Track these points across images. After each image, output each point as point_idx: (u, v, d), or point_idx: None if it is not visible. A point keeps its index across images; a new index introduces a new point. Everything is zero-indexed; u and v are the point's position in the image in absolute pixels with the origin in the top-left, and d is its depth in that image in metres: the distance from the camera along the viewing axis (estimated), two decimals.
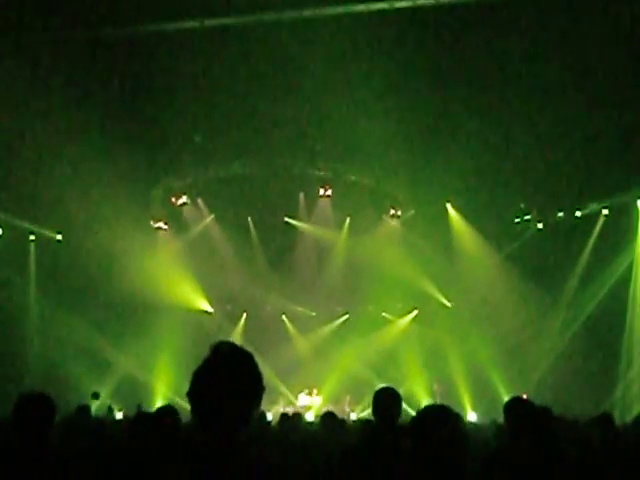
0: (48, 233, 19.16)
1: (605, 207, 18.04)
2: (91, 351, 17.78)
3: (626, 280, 17.64)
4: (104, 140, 14.08)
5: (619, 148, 14.54)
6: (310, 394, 19.39)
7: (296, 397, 19.50)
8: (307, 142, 16.97)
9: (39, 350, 18.06)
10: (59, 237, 19.24)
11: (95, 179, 15.30)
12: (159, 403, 18.06)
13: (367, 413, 18.72)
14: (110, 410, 9.30)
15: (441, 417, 2.93)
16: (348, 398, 19.66)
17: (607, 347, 17.27)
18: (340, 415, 7.21)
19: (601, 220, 18.25)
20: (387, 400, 4.16)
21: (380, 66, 13.05)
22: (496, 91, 13.87)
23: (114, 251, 17.28)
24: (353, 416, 18.36)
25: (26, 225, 18.65)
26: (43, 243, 19.23)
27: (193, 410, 2.26)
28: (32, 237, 19.20)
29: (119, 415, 16.26)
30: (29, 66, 12.52)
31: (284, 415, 8.24)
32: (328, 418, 5.89)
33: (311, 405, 19.03)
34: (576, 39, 12.17)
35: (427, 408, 3.09)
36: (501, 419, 6.46)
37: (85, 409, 7.40)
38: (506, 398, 4.54)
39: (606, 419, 5.62)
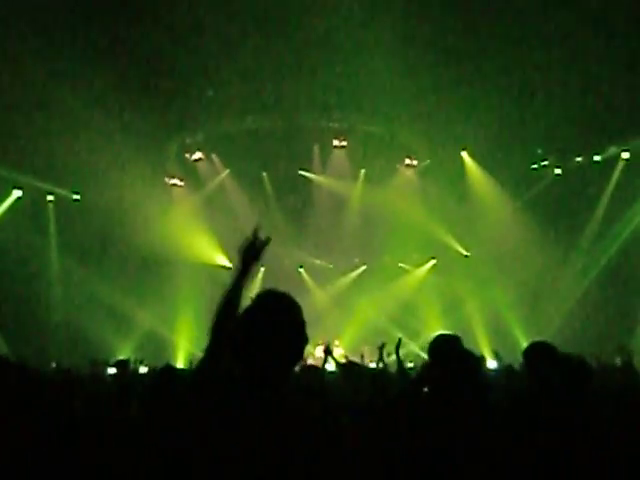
0: (66, 193, 19.26)
1: (625, 150, 17.73)
2: (113, 308, 18.01)
3: None
4: (117, 97, 14.00)
5: (637, 87, 14.22)
6: (331, 346, 19.50)
7: (315, 349, 19.67)
8: (321, 93, 16.74)
9: (62, 310, 18.33)
10: (77, 197, 19.34)
11: (109, 137, 15.29)
12: (181, 357, 18.37)
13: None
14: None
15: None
16: (367, 348, 19.81)
17: (626, 292, 17.20)
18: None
19: (620, 164, 17.97)
20: (446, 348, 3.99)
21: (395, 14, 12.77)
22: (512, 35, 13.57)
23: (131, 209, 17.33)
24: (372, 366, 18.51)
25: (44, 186, 18.77)
26: (61, 203, 19.34)
27: (236, 356, 2.26)
28: (50, 197, 19.31)
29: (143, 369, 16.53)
30: (39, 22, 12.39)
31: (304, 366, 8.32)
32: (350, 368, 5.94)
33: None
34: None
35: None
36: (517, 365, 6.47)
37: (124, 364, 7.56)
38: (525, 345, 4.51)
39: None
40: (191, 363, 8.41)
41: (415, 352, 17.00)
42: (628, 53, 13.38)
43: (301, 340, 2.31)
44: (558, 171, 19.24)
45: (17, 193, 18.46)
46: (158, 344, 18.36)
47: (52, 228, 19.43)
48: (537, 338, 4.57)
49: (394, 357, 6.07)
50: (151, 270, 18.53)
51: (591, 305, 17.35)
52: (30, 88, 13.88)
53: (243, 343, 2.26)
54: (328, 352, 7.48)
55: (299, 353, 2.31)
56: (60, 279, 18.88)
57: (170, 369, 4.52)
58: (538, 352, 4.24)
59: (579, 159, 18.77)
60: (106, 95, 13.95)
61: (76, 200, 19.30)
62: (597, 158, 18.26)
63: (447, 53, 14.26)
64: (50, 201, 19.36)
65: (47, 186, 18.84)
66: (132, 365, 8.72)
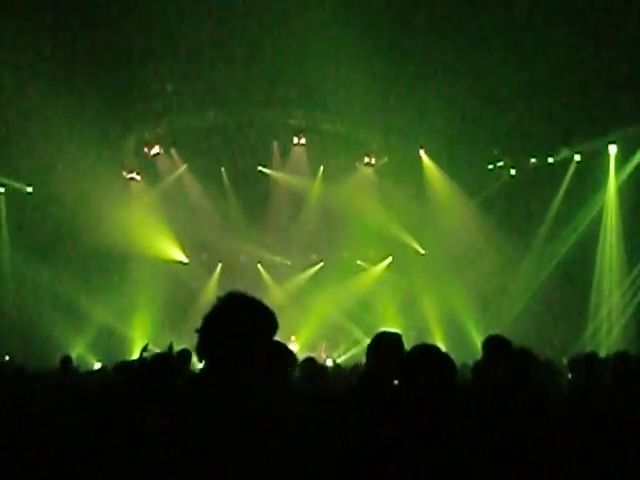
0: (18, 185, 18.84)
1: (577, 152, 18.14)
2: (67, 304, 17.73)
3: (597, 225, 17.89)
4: (74, 90, 13.76)
5: (590, 94, 14.58)
6: (287, 341, 19.58)
7: None
8: (280, 91, 16.76)
9: (15, 304, 17.96)
10: (29, 189, 18.94)
11: (66, 130, 15.00)
12: (137, 353, 18.16)
13: (343, 359, 19.04)
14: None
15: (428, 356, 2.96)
16: (324, 345, 19.92)
17: (578, 291, 17.62)
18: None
19: (573, 166, 18.36)
20: (390, 345, 4.09)
21: (354, 13, 12.85)
22: (470, 38, 13.75)
23: (87, 203, 17.08)
24: (329, 362, 18.63)
25: None
26: (13, 196, 18.92)
27: (203, 357, 2.34)
28: (1, 190, 18.88)
29: (97, 365, 16.32)
30: None
31: None
32: (308, 364, 5.96)
33: None
34: None
35: (415, 348, 3.11)
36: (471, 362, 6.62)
37: (67, 360, 7.44)
38: (479, 343, 4.66)
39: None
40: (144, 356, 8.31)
41: None
42: (580, 59, 13.68)
43: (266, 338, 2.38)
44: (513, 172, 19.61)
45: None
46: (114, 340, 18.14)
47: (3, 221, 19.02)
48: (490, 334, 4.72)
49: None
50: (107, 265, 18.29)
51: (543, 303, 17.73)
52: None
53: (209, 345, 2.33)
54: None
55: (264, 353, 2.38)
56: (12, 273, 18.49)
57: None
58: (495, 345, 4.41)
59: (533, 160, 19.14)
60: (63, 87, 13.70)
61: (29, 193, 18.92)
62: (550, 160, 18.65)
63: (406, 54, 14.40)
64: (1, 193, 18.94)
65: None
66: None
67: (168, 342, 7.72)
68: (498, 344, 4.46)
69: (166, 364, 4.22)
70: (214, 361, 2.32)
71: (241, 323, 2.34)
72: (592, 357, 6.03)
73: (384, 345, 4.05)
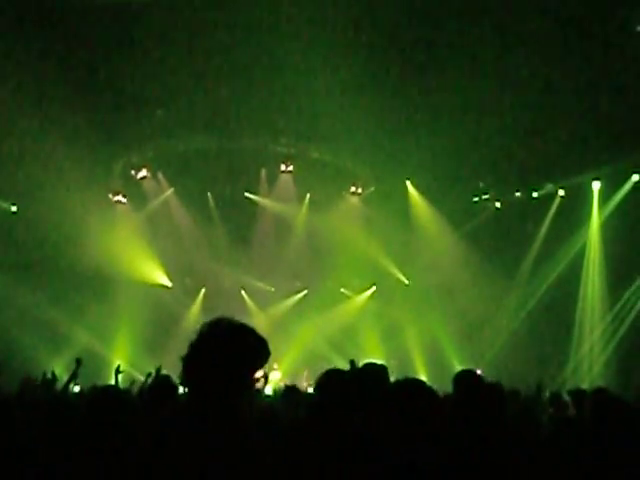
0: (2, 205, 18.73)
1: (561, 188, 18.37)
2: (49, 325, 17.50)
3: (580, 260, 18.05)
4: (63, 111, 13.75)
5: (575, 131, 14.79)
6: (270, 368, 19.41)
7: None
8: (269, 118, 16.83)
9: None
10: (14, 209, 18.84)
11: (52, 151, 14.96)
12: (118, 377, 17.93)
13: None
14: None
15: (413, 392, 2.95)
16: (306, 373, 19.79)
17: (560, 326, 17.70)
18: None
19: (557, 201, 18.58)
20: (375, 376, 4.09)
21: (343, 43, 12.98)
22: (456, 72, 13.93)
23: (72, 224, 16.97)
24: (311, 390, 18.49)
25: None
26: None
27: (188, 385, 2.31)
28: None
29: (76, 388, 16.07)
30: None
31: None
32: (290, 392, 5.94)
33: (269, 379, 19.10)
34: (534, 24, 12.35)
35: (399, 382, 3.10)
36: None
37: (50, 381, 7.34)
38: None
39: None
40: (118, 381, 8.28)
41: None
42: (565, 97, 13.90)
43: (254, 367, 2.35)
44: (498, 205, 19.80)
45: None
46: (94, 363, 17.90)
47: None
48: (473, 367, 4.68)
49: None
50: (90, 287, 18.13)
51: (525, 336, 17.77)
52: None
53: (195, 373, 2.29)
54: (266, 377, 7.44)
55: (249, 381, 2.35)
56: None
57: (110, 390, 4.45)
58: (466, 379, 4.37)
59: (518, 194, 19.35)
60: (50, 108, 13.69)
61: (14, 212, 18.82)
62: (535, 194, 18.87)
63: (396, 87, 14.55)
64: None
65: None
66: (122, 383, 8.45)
67: (157, 365, 7.72)
68: (469, 380, 4.38)
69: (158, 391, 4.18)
70: (199, 390, 2.27)
71: (229, 351, 2.29)
72: (581, 393, 6.05)
73: (369, 376, 4.07)
